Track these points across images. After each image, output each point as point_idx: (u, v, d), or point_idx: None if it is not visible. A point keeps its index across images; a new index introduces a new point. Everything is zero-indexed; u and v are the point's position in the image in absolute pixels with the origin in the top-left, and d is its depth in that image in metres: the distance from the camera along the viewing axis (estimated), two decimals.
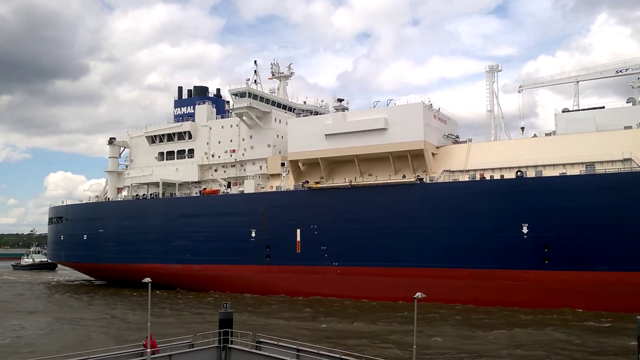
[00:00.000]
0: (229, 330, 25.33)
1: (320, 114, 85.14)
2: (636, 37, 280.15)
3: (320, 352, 23.83)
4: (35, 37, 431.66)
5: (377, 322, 48.36)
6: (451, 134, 71.74)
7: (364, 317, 51.66)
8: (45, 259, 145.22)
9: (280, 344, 25.27)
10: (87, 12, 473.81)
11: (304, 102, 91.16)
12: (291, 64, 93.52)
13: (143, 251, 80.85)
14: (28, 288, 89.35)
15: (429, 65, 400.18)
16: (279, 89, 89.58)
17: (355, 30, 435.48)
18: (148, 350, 23.09)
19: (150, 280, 26.31)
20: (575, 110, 64.84)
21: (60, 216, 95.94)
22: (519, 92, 71.39)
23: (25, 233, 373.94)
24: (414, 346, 19.73)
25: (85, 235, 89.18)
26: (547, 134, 63.87)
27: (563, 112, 64.74)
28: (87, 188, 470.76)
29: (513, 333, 43.00)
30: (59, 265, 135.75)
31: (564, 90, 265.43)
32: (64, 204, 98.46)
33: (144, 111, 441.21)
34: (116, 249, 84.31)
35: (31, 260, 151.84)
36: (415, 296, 19.25)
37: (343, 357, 23.15)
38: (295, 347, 24.77)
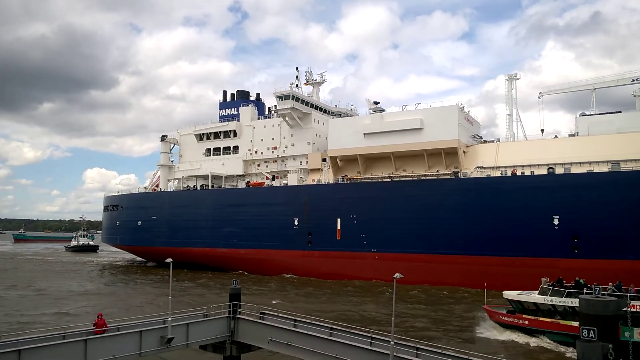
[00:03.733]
0: (238, 303, 25.42)
1: (349, 116, 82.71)
2: (579, 60, 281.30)
3: (314, 322, 23.96)
4: (73, 53, 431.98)
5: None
6: (477, 135, 68.88)
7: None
8: (87, 242, 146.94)
9: (280, 315, 25.36)
10: (118, 33, 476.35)
11: (335, 106, 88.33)
12: (324, 72, 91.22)
13: (194, 236, 78.13)
14: (93, 267, 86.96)
15: (406, 82, 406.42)
16: (311, 94, 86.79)
17: (345, 52, 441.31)
18: (169, 318, 22.75)
19: (171, 260, 26.42)
20: (594, 115, 61.97)
21: (116, 204, 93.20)
22: (539, 97, 68.42)
23: (67, 219, 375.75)
24: (392, 318, 19.79)
25: (139, 222, 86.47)
26: (570, 135, 60.97)
27: (581, 116, 62.01)
28: (118, 182, 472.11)
29: None
30: (100, 247, 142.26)
31: (520, 104, 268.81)
32: (120, 194, 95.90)
33: (165, 118, 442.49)
34: (169, 234, 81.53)
35: (76, 242, 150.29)
36: (394, 276, 19.37)
37: (333, 326, 23.28)
38: (293, 317, 24.81)
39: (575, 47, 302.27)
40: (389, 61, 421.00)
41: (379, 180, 64.81)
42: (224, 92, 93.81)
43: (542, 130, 66.78)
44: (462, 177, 58.81)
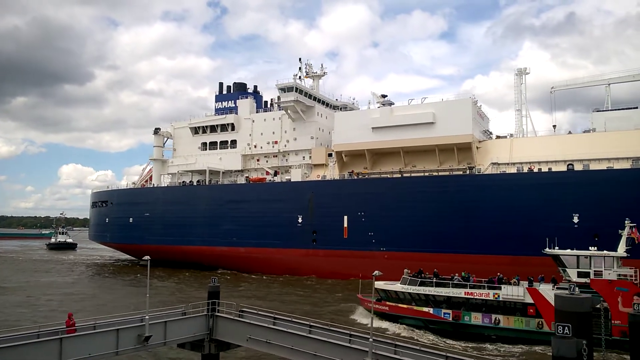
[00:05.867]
0: (216, 301, 25.45)
1: (352, 109, 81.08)
2: (555, 60, 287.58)
3: (293, 320, 24.31)
4: (48, 46, 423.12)
5: None
6: (487, 130, 67.69)
7: None
8: (64, 240, 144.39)
9: (259, 313, 25.46)
10: (95, 27, 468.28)
11: (337, 100, 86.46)
12: (325, 65, 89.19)
13: (190, 234, 75.52)
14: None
15: (386, 81, 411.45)
16: (313, 87, 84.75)
17: (325, 50, 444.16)
18: (147, 316, 22.65)
19: (149, 258, 26.20)
20: (608, 110, 61.21)
21: (105, 200, 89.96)
22: (550, 93, 67.51)
23: (42, 216, 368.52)
24: (372, 316, 21.43)
25: (131, 219, 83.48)
26: (585, 131, 60.07)
27: (594, 112, 61.23)
28: (94, 178, 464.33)
29: None
30: (78, 245, 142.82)
31: (495, 103, 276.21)
32: (109, 189, 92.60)
33: (143, 113, 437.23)
34: (163, 231, 78.73)
35: (54, 240, 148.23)
36: (373, 274, 20.47)
37: (312, 324, 23.63)
38: (272, 315, 24.97)
39: (551, 47, 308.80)
40: (368, 59, 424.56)
41: (389, 176, 63.15)
42: (220, 84, 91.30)
43: (555, 126, 65.97)
44: (476, 173, 57.43)
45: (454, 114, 59.51)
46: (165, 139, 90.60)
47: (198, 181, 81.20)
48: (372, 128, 64.58)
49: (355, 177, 64.61)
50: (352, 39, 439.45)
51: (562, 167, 54.66)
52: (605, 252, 32.47)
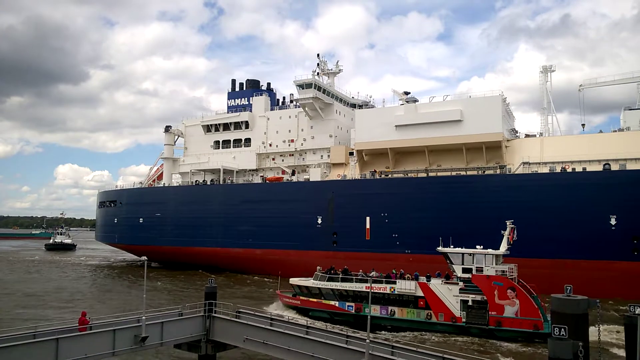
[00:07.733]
0: (213, 301, 25.75)
1: (370, 107, 79.66)
2: (550, 62, 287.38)
3: (290, 321, 24.78)
4: (43, 45, 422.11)
5: None
6: (513, 129, 66.33)
7: None
8: (61, 241, 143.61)
9: (256, 314, 25.84)
10: (91, 26, 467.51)
11: (352, 97, 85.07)
12: (338, 61, 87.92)
13: (203, 235, 74.09)
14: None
15: (382, 82, 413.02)
16: (330, 84, 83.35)
17: (321, 50, 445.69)
18: (143, 317, 22.94)
19: (146, 258, 26.80)
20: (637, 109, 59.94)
21: (114, 200, 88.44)
22: (579, 90, 66.17)
23: (38, 216, 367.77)
24: (368, 316, 20.94)
25: (141, 219, 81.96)
26: (614, 131, 58.71)
27: (625, 110, 59.92)
28: (91, 178, 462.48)
29: None
30: (77, 246, 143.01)
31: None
32: (118, 188, 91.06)
33: (138, 113, 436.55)
34: (175, 232, 77.28)
35: (52, 241, 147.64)
36: (369, 274, 22.17)
37: (309, 324, 24.24)
38: (269, 316, 25.30)
39: (547, 49, 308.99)
40: (365, 61, 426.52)
41: (414, 175, 61.73)
42: (233, 81, 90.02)
43: (583, 125, 64.74)
44: (508, 172, 56.04)
45: (483, 111, 58.17)
46: (176, 137, 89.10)
47: (212, 180, 79.71)
48: (396, 126, 63.21)
49: (378, 177, 63.13)
50: (349, 40, 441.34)
51: (596, 167, 53.37)
52: (489, 250, 35.51)
